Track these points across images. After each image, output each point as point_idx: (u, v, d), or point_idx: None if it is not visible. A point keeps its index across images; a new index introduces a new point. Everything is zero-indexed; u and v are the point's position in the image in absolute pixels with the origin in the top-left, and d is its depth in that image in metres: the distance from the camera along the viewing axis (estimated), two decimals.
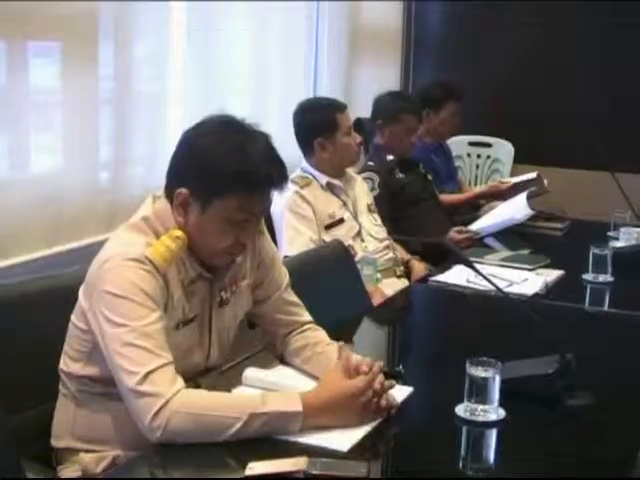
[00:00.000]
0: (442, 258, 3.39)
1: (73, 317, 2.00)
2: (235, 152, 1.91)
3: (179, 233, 1.93)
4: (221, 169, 1.90)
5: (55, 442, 2.04)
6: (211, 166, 1.91)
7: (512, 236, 3.92)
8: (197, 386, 1.98)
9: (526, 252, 3.59)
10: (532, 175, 4.59)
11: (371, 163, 4.10)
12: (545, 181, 4.52)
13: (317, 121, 3.49)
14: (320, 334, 2.23)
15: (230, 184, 1.90)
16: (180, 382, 1.80)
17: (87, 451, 1.99)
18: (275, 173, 1.96)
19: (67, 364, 2.01)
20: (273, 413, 1.76)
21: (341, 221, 3.48)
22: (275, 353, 2.25)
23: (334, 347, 2.14)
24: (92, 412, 1.98)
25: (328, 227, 3.43)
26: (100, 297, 1.86)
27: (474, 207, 4.66)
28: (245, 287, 2.15)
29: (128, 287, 1.84)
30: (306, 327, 2.25)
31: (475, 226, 4.00)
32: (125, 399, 1.81)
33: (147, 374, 1.77)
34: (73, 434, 2.01)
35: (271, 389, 1.96)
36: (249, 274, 2.16)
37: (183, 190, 1.94)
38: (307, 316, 2.28)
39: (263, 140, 1.97)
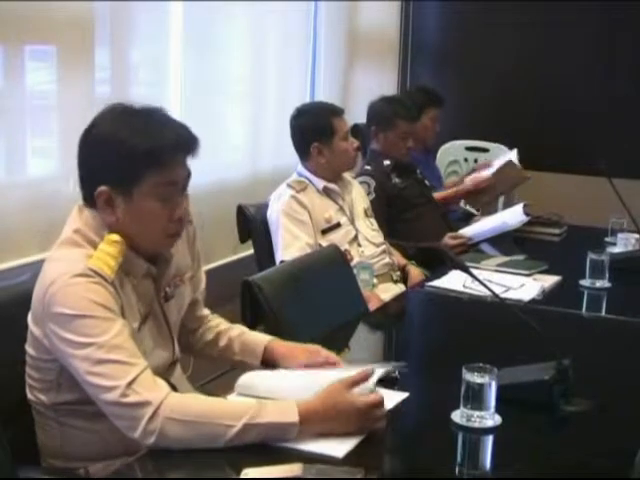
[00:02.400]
0: (439, 263, 3.39)
1: (27, 347, 1.94)
2: (136, 131, 1.88)
3: (115, 237, 1.89)
4: (131, 153, 1.87)
5: (46, 464, 2.01)
6: (121, 153, 1.88)
7: (508, 242, 3.93)
8: (169, 384, 1.94)
9: (522, 257, 3.58)
10: (509, 155, 4.70)
11: (368, 167, 4.10)
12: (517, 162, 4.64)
13: (314, 126, 3.48)
14: (220, 319, 2.32)
15: (145, 164, 1.88)
16: (164, 385, 1.79)
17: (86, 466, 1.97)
18: (182, 138, 1.93)
19: (35, 395, 1.96)
20: (269, 424, 1.74)
21: (338, 226, 3.47)
22: (191, 349, 2.27)
23: (239, 327, 2.28)
24: (81, 433, 1.95)
25: (324, 232, 3.41)
26: (55, 321, 1.81)
27: (469, 216, 4.66)
28: (188, 280, 2.17)
29: (83, 304, 1.79)
30: (209, 318, 2.31)
31: (469, 232, 4.00)
32: (110, 414, 1.78)
33: (128, 385, 1.74)
34: (66, 457, 1.98)
35: (265, 397, 1.92)
36: (190, 267, 2.18)
37: (102, 188, 1.90)
38: (206, 309, 2.34)
39: (159, 112, 1.96)
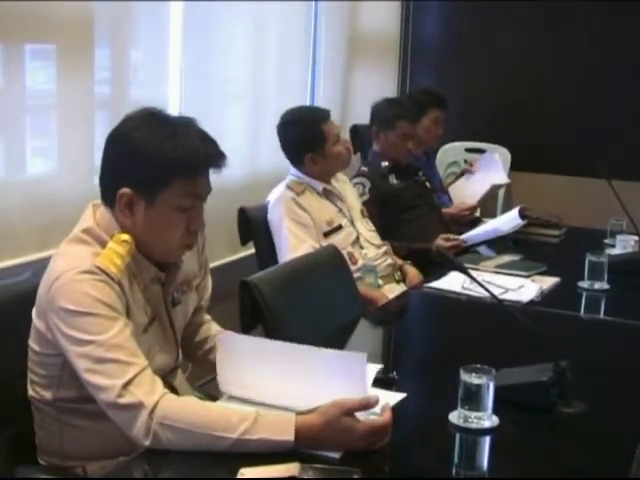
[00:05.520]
0: (430, 265, 3.40)
1: (31, 342, 1.94)
2: (171, 139, 1.88)
3: (126, 237, 1.90)
4: (161, 158, 1.87)
5: (44, 463, 2.01)
6: (151, 158, 1.88)
7: (507, 243, 3.93)
8: (171, 387, 1.96)
9: (521, 259, 3.58)
10: (488, 155, 4.99)
11: (364, 168, 4.09)
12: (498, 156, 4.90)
13: (304, 137, 3.44)
14: (215, 326, 2.30)
15: (173, 171, 1.88)
16: (160, 387, 1.77)
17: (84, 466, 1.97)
18: (213, 152, 1.94)
19: (37, 391, 1.96)
20: (261, 440, 1.69)
21: (339, 228, 3.47)
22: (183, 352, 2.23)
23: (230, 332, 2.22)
24: (81, 432, 1.95)
25: (326, 234, 3.40)
26: (58, 316, 1.81)
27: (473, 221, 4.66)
28: (195, 287, 2.18)
29: (86, 301, 1.79)
30: (206, 323, 2.31)
31: (464, 235, 4.00)
32: (108, 413, 1.78)
33: (125, 385, 1.73)
34: (65, 456, 1.98)
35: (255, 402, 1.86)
36: (197, 274, 2.19)
37: (125, 190, 1.90)
38: (207, 315, 2.33)
39: (192, 123, 1.96)
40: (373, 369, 1.99)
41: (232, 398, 1.94)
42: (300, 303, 2.64)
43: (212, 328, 2.31)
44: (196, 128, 1.96)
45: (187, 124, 1.95)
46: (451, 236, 3.95)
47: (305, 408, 1.75)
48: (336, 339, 2.34)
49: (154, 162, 1.88)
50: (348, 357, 1.86)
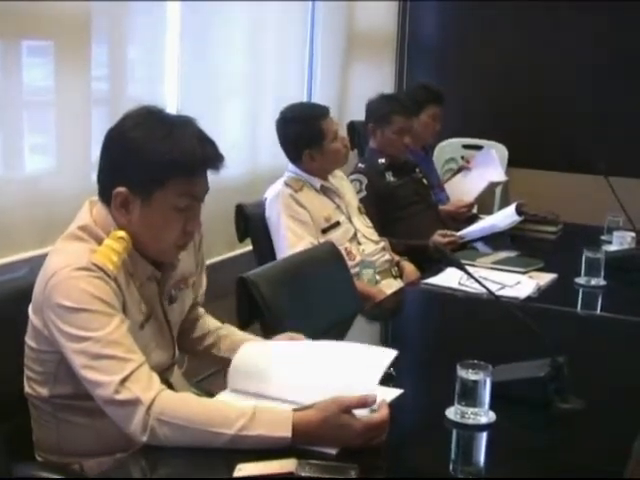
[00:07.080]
0: (428, 261, 3.40)
1: (27, 339, 1.94)
2: (168, 139, 1.88)
3: (122, 234, 1.90)
4: (158, 158, 1.87)
5: (42, 459, 2.01)
6: (147, 157, 1.88)
7: (503, 240, 3.93)
8: (167, 383, 1.95)
9: (518, 255, 3.58)
10: (485, 152, 5.01)
11: (361, 165, 4.09)
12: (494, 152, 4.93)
13: (303, 134, 3.43)
14: (211, 318, 2.31)
15: (169, 172, 1.88)
16: (157, 383, 1.78)
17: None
18: (210, 153, 1.93)
19: (34, 388, 1.96)
20: (259, 437, 1.70)
21: (337, 224, 3.47)
22: (180, 346, 2.22)
23: (229, 326, 2.30)
24: (78, 429, 1.95)
25: (325, 231, 3.40)
26: (55, 313, 1.81)
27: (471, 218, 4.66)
28: (191, 284, 2.19)
29: (82, 297, 1.79)
30: (202, 317, 2.31)
31: (461, 231, 4.00)
32: (105, 410, 1.78)
33: (122, 381, 1.73)
34: (62, 452, 1.98)
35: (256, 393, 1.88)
36: (194, 272, 2.19)
37: (121, 189, 1.90)
38: (201, 309, 2.33)
39: (191, 123, 1.95)
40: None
41: (230, 393, 1.95)
42: (298, 299, 2.65)
43: (208, 322, 2.31)
44: (194, 128, 1.95)
45: (185, 124, 1.94)
46: (448, 232, 3.95)
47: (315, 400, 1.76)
48: (334, 335, 2.34)
49: (150, 162, 1.88)
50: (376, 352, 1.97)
